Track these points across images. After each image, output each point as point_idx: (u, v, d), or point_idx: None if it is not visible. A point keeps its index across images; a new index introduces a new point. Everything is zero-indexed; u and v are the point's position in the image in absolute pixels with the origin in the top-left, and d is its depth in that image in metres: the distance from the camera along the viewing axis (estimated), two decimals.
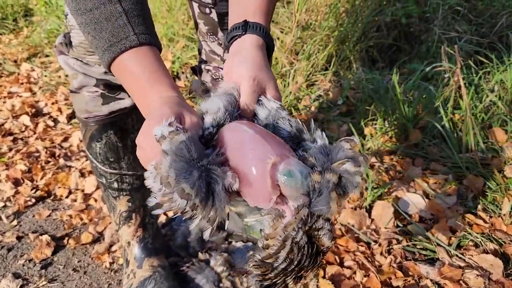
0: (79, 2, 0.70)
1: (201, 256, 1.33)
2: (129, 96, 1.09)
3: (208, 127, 0.62)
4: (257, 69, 0.68)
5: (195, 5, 1.07)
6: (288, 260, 0.52)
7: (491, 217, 1.38)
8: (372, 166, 1.65)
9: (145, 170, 1.22)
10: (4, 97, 2.63)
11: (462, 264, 1.22)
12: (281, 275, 0.53)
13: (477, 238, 1.29)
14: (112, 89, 1.06)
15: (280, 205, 0.55)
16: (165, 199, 0.54)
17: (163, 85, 0.69)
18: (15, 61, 3.17)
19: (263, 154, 0.54)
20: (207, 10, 1.05)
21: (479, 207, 1.42)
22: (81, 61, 1.03)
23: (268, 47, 0.76)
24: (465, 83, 1.85)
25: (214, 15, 1.05)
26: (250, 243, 1.40)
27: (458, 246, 1.30)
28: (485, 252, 1.25)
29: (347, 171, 0.56)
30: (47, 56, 3.23)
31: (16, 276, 1.33)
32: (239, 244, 1.40)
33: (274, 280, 0.53)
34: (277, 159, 0.54)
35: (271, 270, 0.53)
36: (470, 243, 1.30)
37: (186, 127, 0.61)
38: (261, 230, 0.55)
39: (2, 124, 2.30)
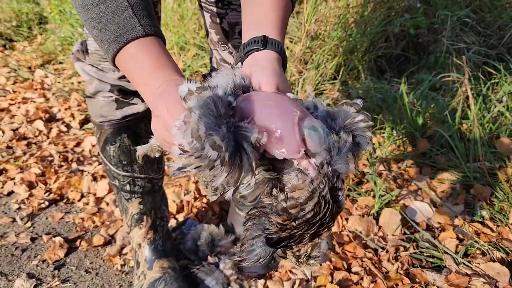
0: None
1: (210, 259, 1.35)
2: (142, 101, 1.12)
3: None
4: (279, 79, 0.68)
5: (207, 14, 1.10)
6: (314, 212, 0.53)
7: (498, 226, 1.39)
8: (380, 174, 1.66)
9: (157, 173, 1.25)
10: (19, 102, 2.69)
11: (469, 272, 1.23)
12: (303, 226, 0.54)
13: (484, 246, 1.30)
14: (126, 94, 1.10)
15: (305, 160, 0.56)
16: (193, 156, 0.53)
17: (169, 70, 0.70)
18: (30, 68, 3.24)
19: (289, 108, 0.55)
20: (219, 20, 1.09)
21: (486, 216, 1.43)
22: (96, 67, 1.07)
23: (282, 62, 0.76)
24: (473, 94, 1.87)
25: (225, 25, 1.09)
26: None
27: (465, 254, 1.31)
28: (492, 260, 1.26)
29: (359, 128, 0.58)
30: (60, 63, 3.30)
31: (30, 276, 1.36)
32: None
33: (293, 232, 0.54)
34: (302, 114, 0.55)
35: (293, 219, 0.54)
36: (477, 251, 1.31)
37: None
38: (283, 184, 0.56)
39: (17, 129, 2.35)
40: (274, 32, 0.73)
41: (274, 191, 0.57)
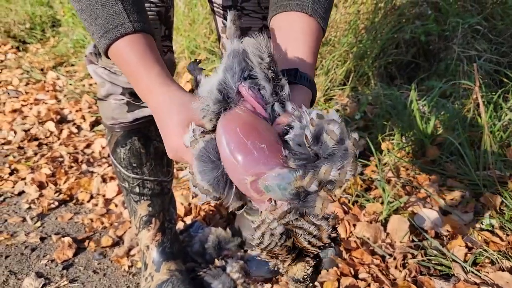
0: None
1: (217, 262, 1.35)
2: None
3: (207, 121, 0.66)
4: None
5: (219, 19, 1.11)
6: (260, 240, 0.59)
7: (508, 235, 1.37)
8: (388, 181, 1.66)
9: (166, 175, 1.26)
10: (31, 103, 2.73)
11: (478, 281, 1.22)
12: (258, 248, 0.60)
13: (494, 255, 1.29)
14: (137, 97, 1.11)
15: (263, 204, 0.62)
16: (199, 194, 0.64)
17: (154, 69, 0.72)
18: (42, 70, 3.29)
19: (241, 174, 0.59)
20: None
21: (496, 224, 1.42)
22: (109, 70, 1.08)
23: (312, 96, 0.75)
24: (484, 101, 1.85)
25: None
26: None
27: (474, 263, 1.29)
28: (501, 269, 1.24)
29: (332, 178, 0.55)
30: (72, 65, 3.35)
31: (38, 275, 1.38)
32: (255, 253, 1.42)
33: (255, 243, 0.60)
34: (253, 178, 0.58)
35: (255, 239, 0.60)
36: (486, 260, 1.30)
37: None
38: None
39: (29, 130, 2.38)
40: (306, 66, 0.72)
41: None
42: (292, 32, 0.75)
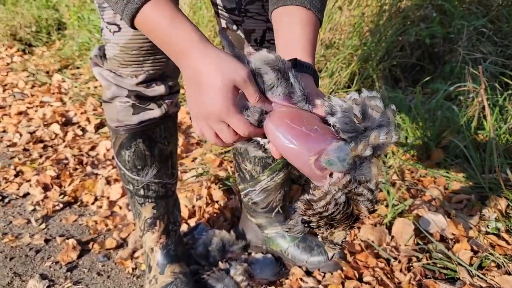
0: None
1: (221, 265, 1.35)
2: (158, 107, 1.13)
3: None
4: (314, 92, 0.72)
5: (223, 21, 1.11)
6: (324, 209, 0.64)
7: None
8: (393, 184, 1.65)
9: (171, 178, 1.26)
10: (36, 106, 2.74)
11: (483, 285, 1.21)
12: (317, 217, 0.66)
13: (499, 259, 1.28)
14: (142, 100, 1.11)
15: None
16: None
17: (187, 30, 0.70)
18: (47, 72, 3.31)
19: (305, 156, 0.64)
20: (234, 27, 1.10)
21: (502, 228, 1.41)
22: (114, 73, 1.08)
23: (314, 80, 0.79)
24: (489, 104, 1.84)
25: (241, 32, 1.10)
26: (269, 255, 1.42)
27: (480, 267, 1.28)
28: (507, 273, 1.23)
29: (381, 142, 0.62)
30: (77, 68, 3.36)
31: (43, 277, 1.38)
32: (259, 256, 1.42)
33: (310, 219, 0.67)
34: (316, 157, 0.63)
35: (310, 209, 0.66)
36: (492, 263, 1.29)
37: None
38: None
39: (34, 132, 2.39)
40: (305, 56, 0.78)
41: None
42: (293, 25, 0.80)
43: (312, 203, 0.65)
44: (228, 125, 0.69)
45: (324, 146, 0.63)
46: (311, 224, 0.68)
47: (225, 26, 1.11)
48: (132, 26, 0.73)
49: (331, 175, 0.65)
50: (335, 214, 0.65)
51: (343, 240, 0.70)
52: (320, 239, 0.72)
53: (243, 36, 1.10)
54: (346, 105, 0.64)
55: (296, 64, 0.75)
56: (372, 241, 1.40)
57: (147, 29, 0.72)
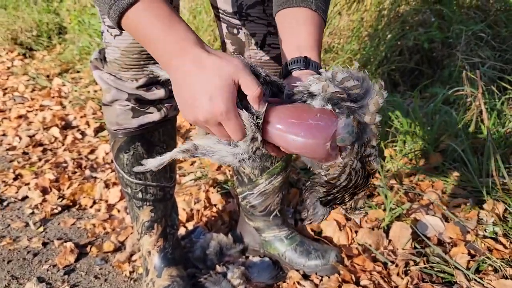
0: None
1: (218, 268, 1.35)
2: (158, 111, 1.14)
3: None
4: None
5: (224, 25, 1.11)
6: (348, 180, 0.69)
7: (511, 243, 1.36)
8: (391, 188, 1.65)
9: (169, 181, 1.26)
10: (36, 109, 2.75)
11: None
12: (342, 191, 0.71)
13: (497, 263, 1.28)
14: (142, 103, 1.11)
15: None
16: None
17: (182, 30, 0.69)
18: (48, 76, 3.32)
19: (322, 145, 0.67)
20: (235, 31, 1.10)
21: (500, 232, 1.41)
22: (114, 76, 1.08)
23: None
24: (487, 108, 1.85)
25: (242, 36, 1.10)
26: (267, 258, 1.42)
27: (477, 270, 1.28)
28: (505, 277, 1.23)
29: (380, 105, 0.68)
30: (78, 72, 3.38)
31: (40, 280, 1.38)
32: (256, 259, 1.42)
33: (336, 195, 0.71)
34: (330, 140, 0.67)
35: (334, 188, 0.70)
36: (489, 267, 1.28)
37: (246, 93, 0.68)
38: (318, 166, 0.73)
39: (34, 135, 2.40)
40: (313, 55, 0.81)
41: (318, 170, 0.73)
42: (299, 25, 0.83)
43: (333, 181, 0.69)
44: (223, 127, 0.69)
45: (334, 128, 0.67)
46: (336, 201, 0.72)
47: (225, 30, 1.11)
48: (119, 23, 0.71)
49: (340, 150, 0.69)
50: (358, 181, 0.70)
51: (364, 202, 0.75)
52: (344, 211, 0.76)
53: (243, 40, 1.10)
54: (330, 88, 0.68)
55: (307, 63, 0.78)
56: (370, 245, 1.40)
57: (136, 27, 0.70)
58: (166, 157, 0.81)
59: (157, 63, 1.05)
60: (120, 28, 0.72)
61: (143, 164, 0.83)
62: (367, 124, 0.67)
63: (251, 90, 0.67)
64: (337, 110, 0.68)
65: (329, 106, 0.68)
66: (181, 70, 0.69)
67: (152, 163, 0.82)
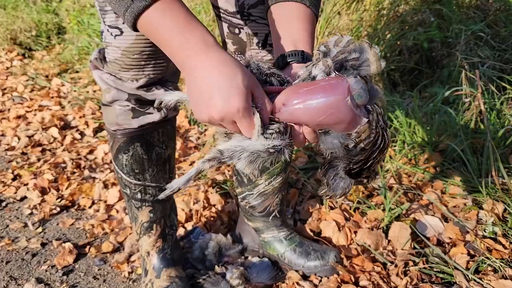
0: None
1: (217, 269, 1.35)
2: (158, 111, 1.13)
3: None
4: None
5: (225, 25, 1.11)
6: (382, 139, 0.71)
7: (511, 243, 1.36)
8: (390, 188, 1.65)
9: (168, 182, 1.26)
10: (35, 110, 2.75)
11: None
12: (376, 154, 0.72)
13: (496, 263, 1.27)
14: (142, 104, 1.11)
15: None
16: None
17: (200, 30, 0.71)
18: (47, 76, 3.32)
19: (343, 100, 0.68)
20: (237, 31, 1.09)
21: (499, 232, 1.41)
22: (114, 76, 1.07)
23: None
24: (486, 108, 1.85)
25: (243, 35, 1.10)
26: (266, 259, 1.41)
27: (476, 271, 1.28)
28: (504, 277, 1.23)
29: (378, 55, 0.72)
30: (77, 72, 3.37)
31: (39, 281, 1.38)
32: (255, 260, 1.42)
33: (370, 161, 0.72)
34: (349, 96, 0.68)
35: (371, 152, 0.72)
36: (489, 268, 1.28)
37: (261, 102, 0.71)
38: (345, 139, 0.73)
39: (32, 135, 2.40)
40: (307, 50, 0.83)
41: (350, 143, 0.73)
42: (292, 19, 0.85)
43: (369, 146, 0.71)
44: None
45: (346, 84, 0.69)
46: (366, 168, 0.73)
47: (226, 29, 1.11)
48: (134, 25, 0.72)
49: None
50: (386, 140, 0.72)
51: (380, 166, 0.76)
52: (365, 180, 0.77)
53: (245, 39, 1.10)
54: (329, 61, 0.71)
55: (304, 56, 0.80)
56: (369, 245, 1.40)
57: (153, 28, 0.71)
58: (192, 172, 0.78)
59: (156, 62, 1.05)
60: (135, 29, 0.73)
61: (167, 188, 0.80)
62: (372, 85, 0.71)
63: (264, 105, 0.71)
64: (347, 73, 0.70)
65: (333, 74, 0.71)
66: (200, 69, 0.69)
67: (179, 182, 0.79)
